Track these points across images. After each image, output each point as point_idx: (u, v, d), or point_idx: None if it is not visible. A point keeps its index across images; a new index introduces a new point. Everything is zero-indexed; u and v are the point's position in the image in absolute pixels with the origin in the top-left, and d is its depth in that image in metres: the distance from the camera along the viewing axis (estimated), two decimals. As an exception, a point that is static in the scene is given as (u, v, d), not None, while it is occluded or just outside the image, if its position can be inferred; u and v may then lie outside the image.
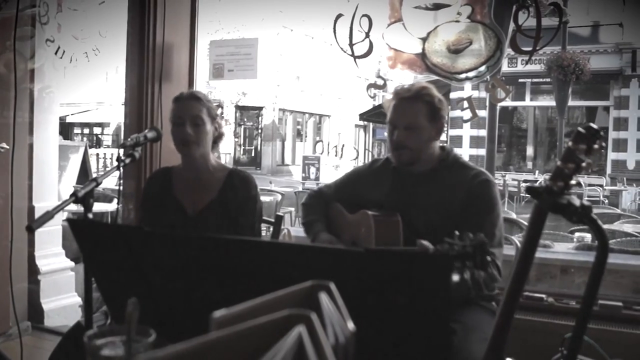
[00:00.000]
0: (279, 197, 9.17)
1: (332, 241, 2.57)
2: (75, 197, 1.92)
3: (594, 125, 1.37)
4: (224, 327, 0.70)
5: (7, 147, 3.98)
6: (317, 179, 18.11)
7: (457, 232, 1.69)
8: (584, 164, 1.36)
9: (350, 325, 0.74)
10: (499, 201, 2.44)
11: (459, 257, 1.63)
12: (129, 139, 2.35)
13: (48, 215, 1.78)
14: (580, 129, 1.37)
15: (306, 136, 30.28)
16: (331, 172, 14.70)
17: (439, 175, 2.49)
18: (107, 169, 2.28)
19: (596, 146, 1.37)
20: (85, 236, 1.56)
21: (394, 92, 2.51)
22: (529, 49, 3.36)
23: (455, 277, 1.62)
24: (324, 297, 0.82)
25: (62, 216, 4.74)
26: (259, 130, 28.35)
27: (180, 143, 2.63)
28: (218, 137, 2.78)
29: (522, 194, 14.61)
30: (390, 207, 2.44)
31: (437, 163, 2.52)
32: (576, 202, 1.33)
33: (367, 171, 2.74)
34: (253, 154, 28.68)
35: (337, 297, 0.82)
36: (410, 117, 2.43)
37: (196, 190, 2.69)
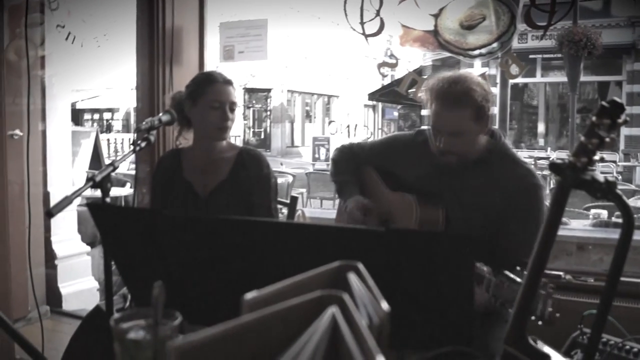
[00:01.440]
0: (291, 178, 9.18)
1: (368, 205, 2.45)
2: (93, 182, 1.92)
3: (618, 99, 1.35)
4: (256, 309, 0.70)
5: (21, 133, 4.00)
6: (327, 159, 18.11)
7: (518, 268, 1.65)
8: (607, 139, 1.34)
9: (385, 305, 0.73)
10: (545, 206, 2.23)
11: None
12: (144, 123, 2.33)
13: (67, 200, 1.79)
14: (604, 103, 1.35)
15: (315, 117, 30.24)
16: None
17: (484, 168, 2.31)
18: (119, 153, 2.27)
19: (620, 120, 1.35)
20: (105, 220, 1.56)
21: (434, 93, 2.28)
22: (543, 24, 3.31)
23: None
24: (353, 278, 0.82)
25: (76, 201, 4.77)
26: (268, 112, 28.32)
27: (218, 128, 2.59)
28: None
29: (538, 172, 14.53)
30: (427, 194, 2.33)
31: (484, 153, 2.33)
32: (600, 178, 1.31)
33: (410, 144, 2.53)
34: (262, 136, 28.66)
35: (366, 277, 0.82)
36: (455, 125, 2.23)
37: (206, 171, 2.66)
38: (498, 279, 1.74)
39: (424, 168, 2.41)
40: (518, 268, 1.67)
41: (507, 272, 1.65)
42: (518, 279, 1.66)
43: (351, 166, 2.69)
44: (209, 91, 2.60)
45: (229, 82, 2.64)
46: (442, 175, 2.36)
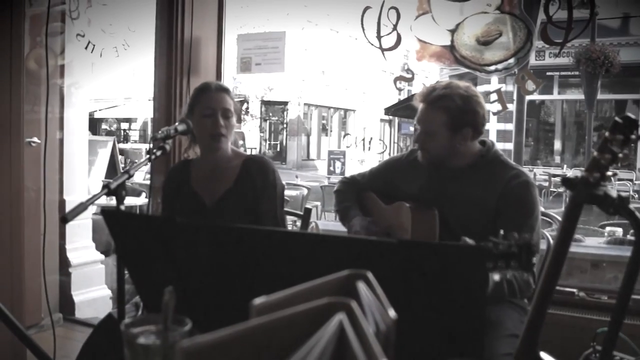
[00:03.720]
0: (305, 191, 9.19)
1: (369, 225, 2.55)
2: (108, 189, 1.94)
3: (632, 115, 1.35)
4: (264, 314, 0.71)
5: (39, 141, 4.04)
6: (342, 173, 18.12)
7: (501, 232, 1.66)
8: (620, 155, 1.34)
9: (392, 312, 0.73)
10: (538, 204, 2.37)
11: (503, 257, 1.60)
12: (160, 132, 2.34)
13: (82, 207, 1.80)
14: (617, 118, 1.35)
15: (331, 131, 30.29)
16: (357, 167, 14.69)
17: (477, 172, 2.43)
18: (136, 162, 2.28)
19: (633, 136, 1.35)
20: (119, 227, 1.57)
21: (420, 91, 2.48)
22: (559, 41, 3.31)
23: (496, 277, 1.60)
24: (362, 286, 0.82)
25: (92, 210, 4.80)
26: (285, 125, 28.42)
27: (210, 135, 2.58)
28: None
29: (551, 189, 14.43)
30: (425, 201, 2.42)
31: (476, 159, 2.45)
32: (613, 193, 1.31)
33: (404, 162, 2.68)
34: (278, 149, 28.74)
35: (375, 285, 0.82)
36: (427, 124, 2.42)
37: (213, 180, 2.66)
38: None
39: (420, 179, 2.53)
40: (501, 232, 1.66)
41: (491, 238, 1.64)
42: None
43: (353, 193, 2.80)
44: (202, 100, 2.61)
45: (222, 90, 2.65)
46: (436, 183, 2.48)
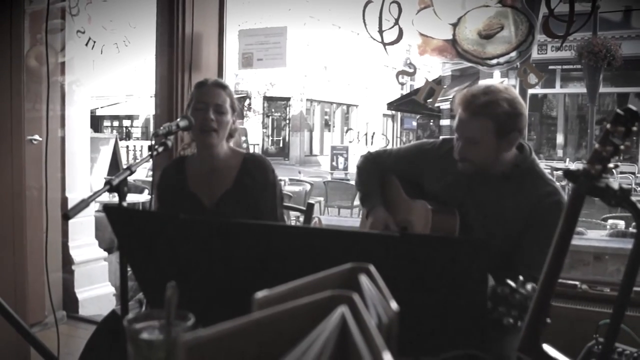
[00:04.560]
0: (308, 187, 9.21)
1: (388, 220, 2.52)
2: (110, 186, 1.93)
3: (633, 107, 1.35)
4: (266, 307, 0.71)
5: (40, 139, 4.04)
6: (345, 168, 18.13)
7: (520, 278, 1.63)
8: (622, 147, 1.33)
9: (394, 304, 0.73)
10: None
11: (517, 307, 1.59)
12: (162, 128, 2.32)
13: (84, 203, 1.80)
14: (618, 110, 1.35)
15: (334, 126, 30.29)
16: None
17: (510, 182, 2.31)
18: (138, 159, 2.29)
19: (635, 128, 1.35)
20: (121, 223, 1.58)
21: (461, 98, 2.29)
22: (561, 34, 3.30)
23: (506, 322, 1.60)
24: (364, 279, 0.82)
25: (94, 207, 4.80)
26: (287, 121, 28.41)
27: (200, 129, 2.54)
28: (233, 131, 2.69)
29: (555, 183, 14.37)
30: (450, 202, 2.34)
31: (511, 168, 2.32)
32: (615, 185, 1.31)
33: (435, 153, 2.54)
34: (281, 145, 28.74)
35: (377, 278, 0.82)
36: (472, 132, 2.25)
37: (211, 181, 2.62)
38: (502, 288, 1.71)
39: (448, 177, 2.42)
40: (521, 278, 1.65)
41: (509, 281, 1.63)
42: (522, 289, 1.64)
43: (376, 174, 2.71)
44: (196, 94, 2.61)
45: (219, 85, 2.62)
46: (465, 186, 2.37)
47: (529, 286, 1.61)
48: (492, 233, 2.23)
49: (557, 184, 2.36)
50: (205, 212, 2.59)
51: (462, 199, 2.35)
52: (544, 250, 2.15)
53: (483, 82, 2.43)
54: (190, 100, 2.65)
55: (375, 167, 2.73)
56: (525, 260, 2.14)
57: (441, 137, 2.68)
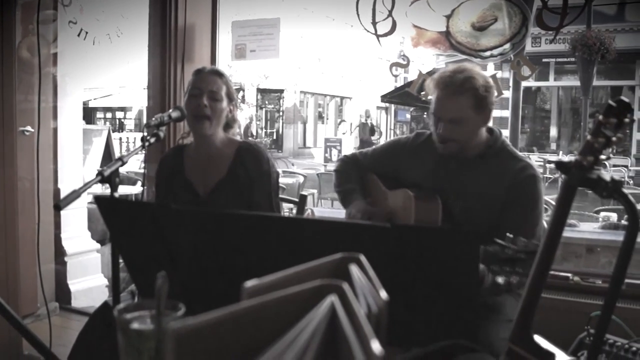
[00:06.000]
0: (302, 179, 9.19)
1: (369, 210, 2.52)
2: (101, 176, 1.93)
3: (625, 99, 1.35)
4: (256, 296, 0.70)
5: (32, 130, 4.02)
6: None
7: (509, 235, 1.64)
8: (614, 138, 1.33)
9: (383, 294, 0.73)
10: (543, 197, 2.34)
11: (509, 262, 1.60)
12: (154, 119, 2.32)
13: (75, 194, 1.79)
14: (611, 102, 1.35)
15: (327, 118, 30.26)
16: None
17: (484, 163, 2.38)
18: (131, 149, 2.27)
19: (627, 120, 1.35)
20: (113, 214, 1.57)
21: (436, 80, 2.35)
22: (554, 26, 3.30)
23: (500, 280, 1.60)
24: (354, 269, 0.82)
25: (87, 198, 4.79)
26: (281, 113, 28.35)
27: (193, 115, 2.53)
28: (231, 121, 2.69)
29: (547, 175, 14.44)
30: (429, 189, 2.37)
31: (484, 149, 2.40)
32: (606, 176, 1.31)
33: (410, 146, 2.61)
34: (275, 137, 28.69)
35: (367, 268, 0.82)
36: (455, 111, 2.30)
37: (206, 169, 2.62)
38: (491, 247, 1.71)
39: (426, 166, 2.48)
40: (509, 235, 1.66)
41: (497, 240, 1.64)
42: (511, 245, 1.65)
43: (354, 175, 2.74)
44: (192, 81, 2.61)
45: (215, 73, 2.62)
46: (443, 172, 2.43)
47: (519, 242, 1.62)
48: (472, 216, 2.27)
49: (529, 159, 2.46)
50: (199, 200, 2.60)
51: (442, 184, 2.39)
52: (528, 219, 2.22)
53: (451, 65, 2.46)
54: (187, 87, 2.64)
55: (353, 167, 2.76)
56: (512, 233, 2.17)
57: (415, 131, 2.74)
